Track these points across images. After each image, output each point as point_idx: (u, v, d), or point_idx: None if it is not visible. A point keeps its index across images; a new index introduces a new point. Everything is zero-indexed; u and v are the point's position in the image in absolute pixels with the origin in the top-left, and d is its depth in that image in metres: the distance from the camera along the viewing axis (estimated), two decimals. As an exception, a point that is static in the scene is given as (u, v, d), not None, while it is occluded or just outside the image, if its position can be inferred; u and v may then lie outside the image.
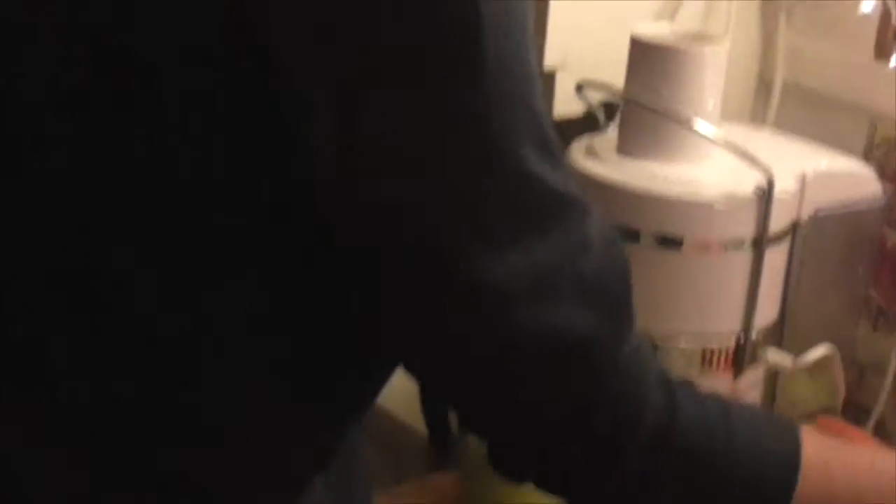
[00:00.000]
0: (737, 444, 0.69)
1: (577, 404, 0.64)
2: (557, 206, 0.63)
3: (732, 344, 1.08)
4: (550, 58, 1.21)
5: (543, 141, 0.62)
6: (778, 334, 1.12)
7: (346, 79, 0.57)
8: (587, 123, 1.16)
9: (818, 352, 1.12)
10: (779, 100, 1.41)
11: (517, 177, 0.61)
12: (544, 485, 0.70)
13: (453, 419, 1.08)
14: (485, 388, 0.65)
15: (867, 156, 1.31)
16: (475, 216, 0.61)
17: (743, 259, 1.06)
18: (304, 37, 0.57)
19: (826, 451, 0.74)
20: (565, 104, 1.18)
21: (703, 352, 1.07)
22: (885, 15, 1.26)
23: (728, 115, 1.23)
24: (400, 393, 1.18)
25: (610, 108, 1.14)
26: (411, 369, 0.67)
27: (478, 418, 0.68)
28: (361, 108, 0.58)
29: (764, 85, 1.42)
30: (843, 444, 0.83)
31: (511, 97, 0.60)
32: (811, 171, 1.11)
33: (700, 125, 1.04)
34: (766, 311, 1.09)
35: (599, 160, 1.08)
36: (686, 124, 1.04)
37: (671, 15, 1.25)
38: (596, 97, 1.15)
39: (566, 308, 0.64)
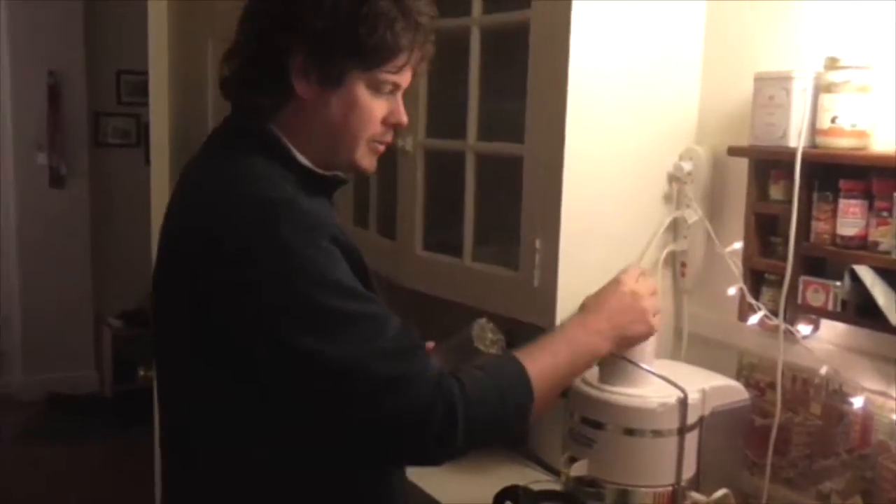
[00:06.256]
0: (492, 372, 1.17)
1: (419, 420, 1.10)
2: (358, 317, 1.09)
3: (670, 490, 1.49)
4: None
5: (346, 291, 1.07)
6: (696, 483, 1.52)
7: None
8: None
9: (720, 492, 1.52)
10: (686, 344, 1.76)
11: (330, 310, 1.06)
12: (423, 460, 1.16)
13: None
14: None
15: (738, 375, 1.68)
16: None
17: (673, 441, 1.48)
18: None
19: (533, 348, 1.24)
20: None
21: (654, 495, 1.48)
22: (742, 295, 1.64)
23: (659, 354, 1.58)
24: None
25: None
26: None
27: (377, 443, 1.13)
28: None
29: (678, 335, 1.78)
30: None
31: (321, 278, 1.06)
32: (708, 387, 1.53)
33: (645, 366, 1.49)
34: (688, 470, 1.50)
35: (590, 386, 1.53)
36: (638, 366, 1.49)
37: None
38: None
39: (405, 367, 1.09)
